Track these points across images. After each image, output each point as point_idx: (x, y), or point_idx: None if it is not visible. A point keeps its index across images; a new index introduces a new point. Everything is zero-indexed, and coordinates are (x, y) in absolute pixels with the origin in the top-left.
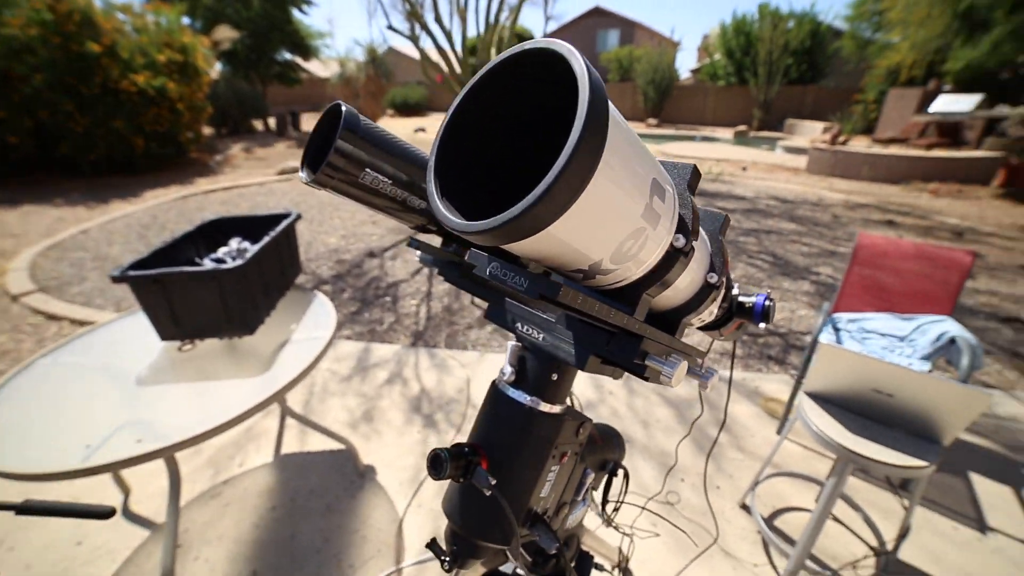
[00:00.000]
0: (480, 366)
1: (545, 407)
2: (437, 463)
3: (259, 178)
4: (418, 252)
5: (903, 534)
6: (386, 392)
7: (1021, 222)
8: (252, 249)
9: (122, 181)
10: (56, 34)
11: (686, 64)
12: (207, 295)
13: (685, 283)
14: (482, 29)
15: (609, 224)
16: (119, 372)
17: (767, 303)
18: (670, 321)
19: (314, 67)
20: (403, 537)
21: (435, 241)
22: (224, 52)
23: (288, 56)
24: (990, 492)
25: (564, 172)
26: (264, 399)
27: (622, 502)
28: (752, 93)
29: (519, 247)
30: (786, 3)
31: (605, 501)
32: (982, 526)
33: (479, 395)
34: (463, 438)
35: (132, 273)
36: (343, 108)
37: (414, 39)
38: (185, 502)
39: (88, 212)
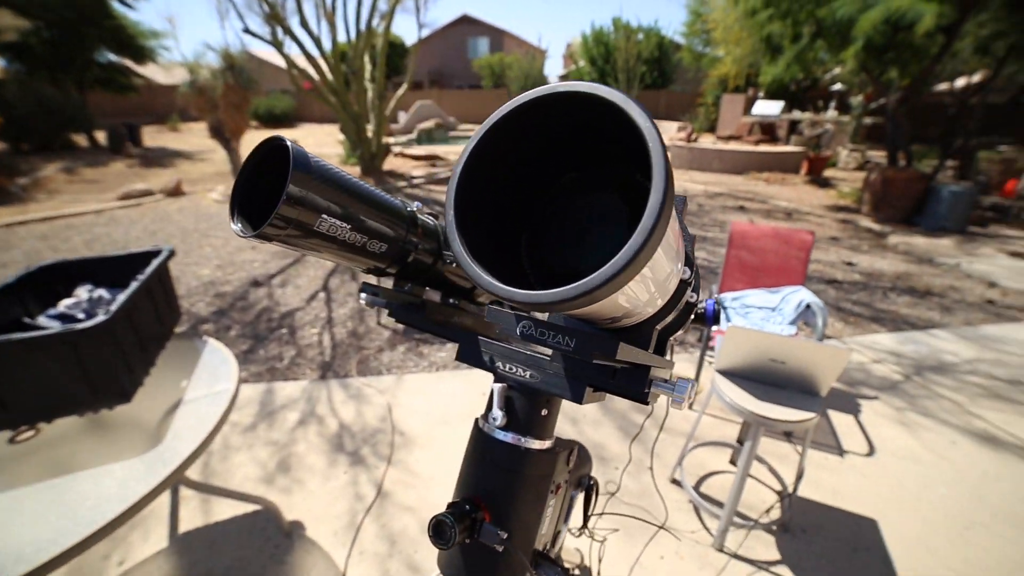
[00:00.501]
0: (399, 390)
1: (539, 444)
2: (442, 531)
3: (94, 205)
4: (363, 295)
5: (799, 476)
6: (300, 435)
7: (824, 202)
8: (117, 299)
9: None
10: None
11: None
12: (56, 365)
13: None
14: (352, 35)
15: (659, 278)
16: None
17: (716, 306)
18: (645, 334)
19: (152, 72)
20: None
21: (387, 282)
22: (8, 45)
23: (114, 58)
24: (840, 423)
25: (648, 242)
26: (158, 483)
27: (593, 513)
28: None
29: (576, 311)
30: (635, 18)
31: (587, 518)
32: (841, 451)
33: (404, 420)
34: (395, 470)
35: None
36: (288, 144)
37: (277, 45)
38: None
39: None
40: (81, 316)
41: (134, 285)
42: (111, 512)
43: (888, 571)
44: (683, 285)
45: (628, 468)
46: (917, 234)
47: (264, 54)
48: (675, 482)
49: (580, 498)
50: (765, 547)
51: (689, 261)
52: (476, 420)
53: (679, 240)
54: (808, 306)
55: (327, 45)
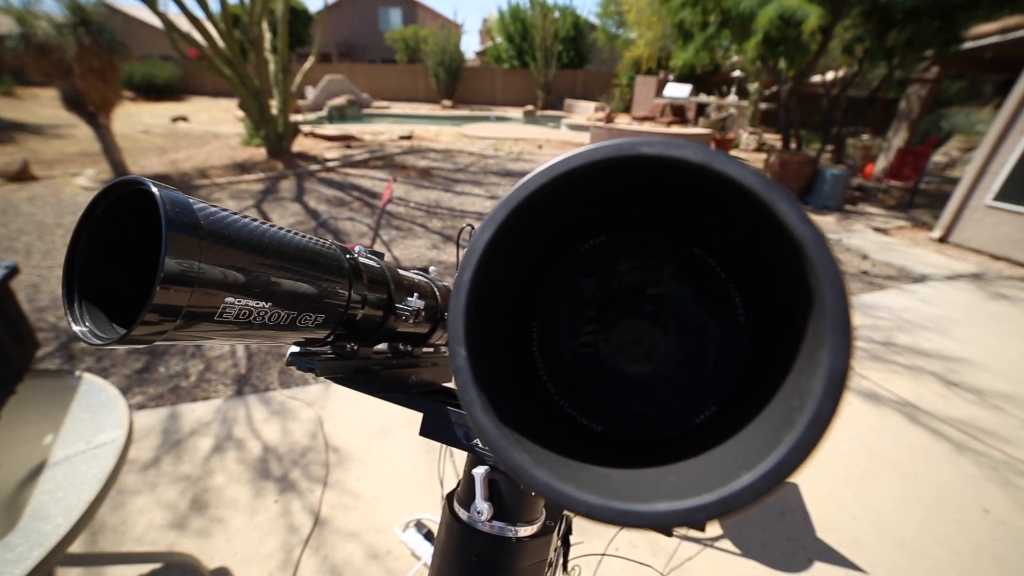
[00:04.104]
0: (328, 400)
1: (530, 530)
2: None
3: None
4: (293, 367)
5: None
6: (217, 464)
7: None
8: None
9: None
10: None
11: (471, 47)
12: None
13: None
14: None
15: None
16: None
17: None
18: None
19: None
20: None
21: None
22: None
23: None
24: None
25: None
26: None
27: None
28: (534, 75)
29: None
30: None
31: (567, 560)
32: None
33: (337, 434)
34: (332, 492)
35: None
36: (154, 191)
37: (150, 2)
38: None
39: None
40: None
41: None
42: None
43: (808, 528)
44: None
45: None
46: (808, 212)
47: (132, 10)
48: None
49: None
50: (709, 525)
51: None
52: (449, 501)
53: None
54: None
55: (215, 7)
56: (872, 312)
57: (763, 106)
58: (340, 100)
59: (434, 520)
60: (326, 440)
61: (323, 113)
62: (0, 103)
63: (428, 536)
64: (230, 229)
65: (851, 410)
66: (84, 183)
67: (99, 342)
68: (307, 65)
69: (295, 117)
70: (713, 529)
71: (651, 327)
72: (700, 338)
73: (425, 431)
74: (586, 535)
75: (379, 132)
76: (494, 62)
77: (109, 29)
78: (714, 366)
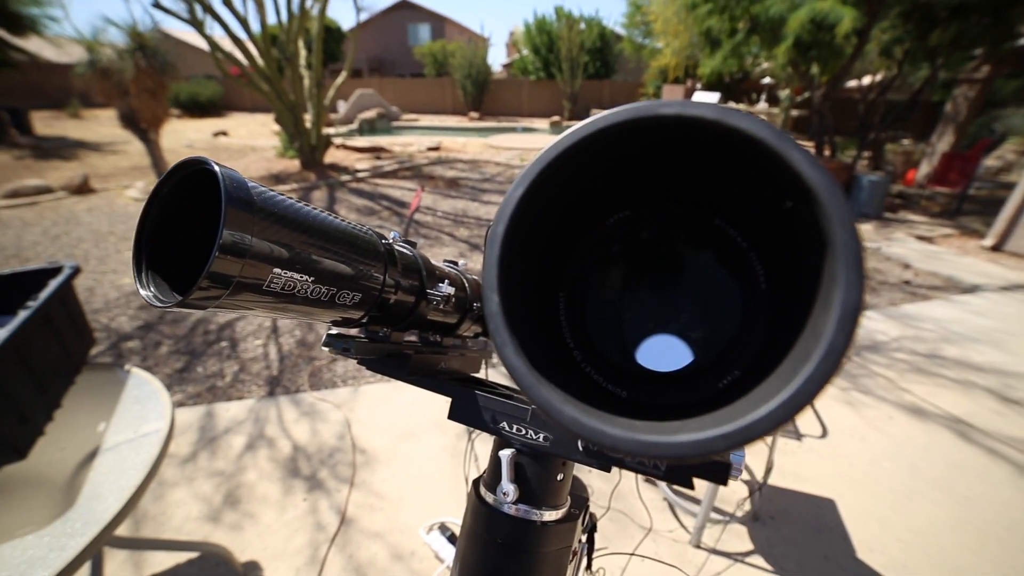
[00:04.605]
0: (356, 403)
1: (555, 515)
2: None
3: None
4: (327, 349)
5: (769, 468)
6: (249, 461)
7: None
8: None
9: None
10: None
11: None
12: None
13: None
14: (284, 17)
15: None
16: None
17: None
18: None
19: (39, 48)
20: None
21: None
22: None
23: None
24: None
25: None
26: (72, 558)
27: (596, 555)
28: (560, 86)
29: None
30: (576, 7)
31: (591, 560)
32: (798, 435)
33: (364, 436)
34: (358, 492)
35: None
36: (216, 169)
37: (196, 24)
38: None
39: None
40: None
41: (24, 314)
42: None
43: (847, 547)
44: None
45: (599, 472)
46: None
47: (181, 34)
48: (649, 480)
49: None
50: (739, 539)
51: None
52: (475, 486)
53: None
54: None
55: (255, 27)
56: (915, 323)
57: (795, 113)
58: (370, 113)
59: (458, 523)
60: (353, 441)
61: (354, 126)
62: (68, 124)
63: (452, 539)
64: (280, 208)
65: (894, 425)
66: (134, 195)
67: (161, 305)
68: (339, 80)
69: (327, 130)
70: (743, 543)
71: (675, 297)
72: (723, 306)
73: (453, 415)
74: (610, 541)
75: (408, 144)
76: (520, 74)
77: (161, 52)
78: (737, 332)
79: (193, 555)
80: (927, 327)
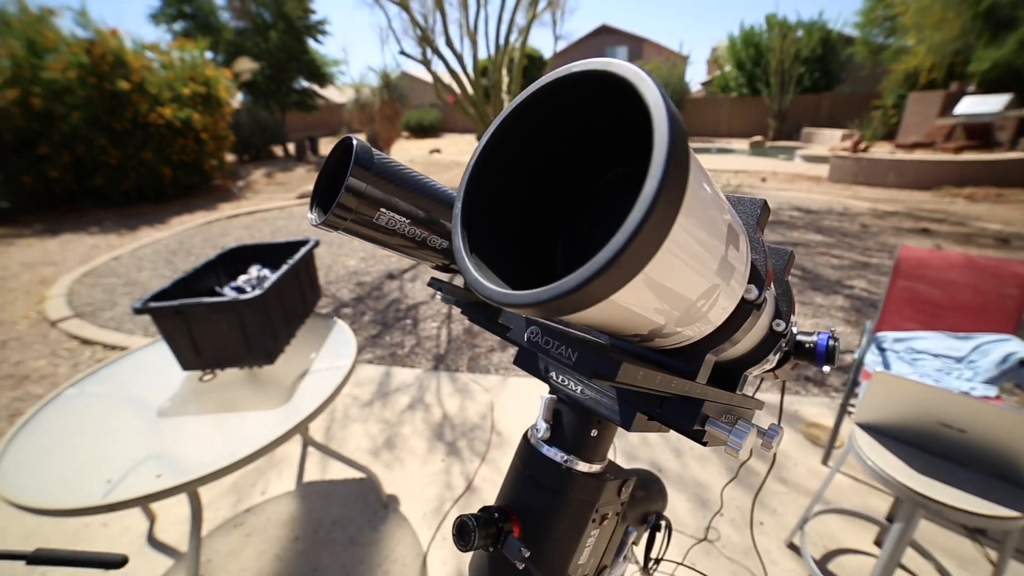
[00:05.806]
0: (503, 391)
1: (584, 467)
2: (464, 533)
3: (279, 202)
4: (430, 288)
5: None
6: (408, 418)
7: None
8: (271, 278)
9: (150, 209)
10: (92, 75)
11: (697, 77)
12: (227, 325)
13: (751, 335)
14: (492, 51)
15: (681, 285)
16: (142, 403)
17: (831, 343)
18: (727, 372)
19: (330, 94)
20: (427, 573)
21: (459, 280)
22: (245, 83)
23: (305, 84)
24: None
25: (636, 236)
26: (285, 431)
27: (662, 558)
28: (766, 103)
29: (569, 316)
30: (793, 12)
31: (647, 559)
32: None
33: (503, 421)
34: (487, 468)
35: (153, 305)
36: (354, 142)
37: (426, 63)
38: (208, 530)
39: (119, 240)
40: (248, 289)
41: (283, 269)
42: (254, 445)
43: None
44: (745, 306)
45: (736, 519)
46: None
47: (416, 72)
48: (792, 547)
49: (643, 535)
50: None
51: (757, 278)
52: (526, 431)
53: (728, 247)
54: (1022, 362)
55: (468, 61)
56: None
57: None
58: None
59: None
60: (493, 423)
61: None
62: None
63: None
64: (392, 170)
65: None
66: None
67: (314, 224)
68: None
69: None
70: None
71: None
72: None
73: (517, 361)
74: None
75: None
76: (720, 91)
77: (399, 87)
78: None
79: (357, 474)
80: None
